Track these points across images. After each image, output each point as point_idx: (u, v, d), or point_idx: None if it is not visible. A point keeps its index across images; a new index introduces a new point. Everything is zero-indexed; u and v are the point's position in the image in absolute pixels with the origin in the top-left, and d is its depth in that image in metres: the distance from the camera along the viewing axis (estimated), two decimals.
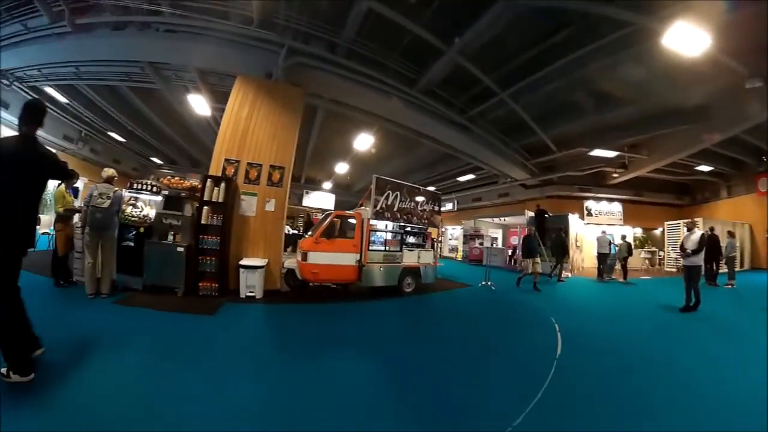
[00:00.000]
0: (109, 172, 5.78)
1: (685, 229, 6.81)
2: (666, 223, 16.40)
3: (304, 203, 20.83)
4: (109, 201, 5.24)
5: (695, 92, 9.86)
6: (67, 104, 12.89)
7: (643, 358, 4.22)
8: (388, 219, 7.83)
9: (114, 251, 5.60)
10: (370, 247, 7.64)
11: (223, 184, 6.53)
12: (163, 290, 5.85)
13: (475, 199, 20.95)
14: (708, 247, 10.76)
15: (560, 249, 12.02)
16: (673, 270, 15.36)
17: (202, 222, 6.26)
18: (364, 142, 12.73)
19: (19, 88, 10.84)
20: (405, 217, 8.06)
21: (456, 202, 19.93)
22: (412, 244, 8.48)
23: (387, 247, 7.92)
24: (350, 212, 8.08)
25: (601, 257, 12.45)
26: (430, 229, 9.03)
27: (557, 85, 9.65)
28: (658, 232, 18.59)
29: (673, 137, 12.62)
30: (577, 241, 14.92)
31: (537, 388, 3.16)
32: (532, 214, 14.38)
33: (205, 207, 6.33)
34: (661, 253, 16.87)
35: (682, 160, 14.19)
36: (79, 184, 9.45)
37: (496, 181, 18.07)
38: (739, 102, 9.92)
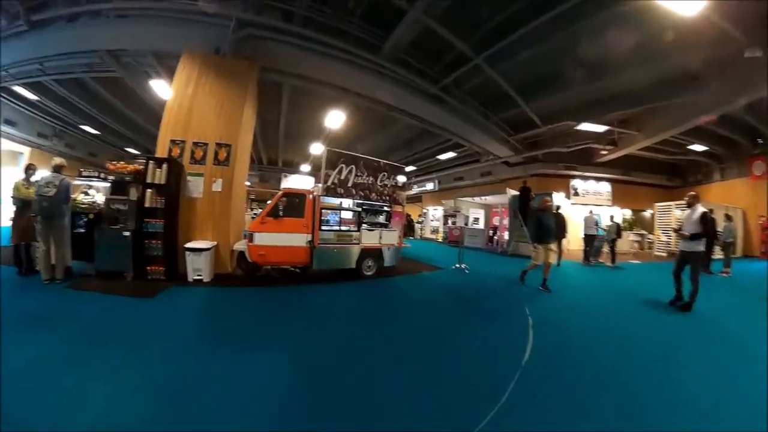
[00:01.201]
0: (57, 161, 5.83)
1: (685, 206, 5.88)
2: (656, 204, 15.81)
3: (282, 186, 19.95)
4: (54, 190, 5.35)
5: (690, 61, 9.08)
6: (38, 101, 12.72)
7: (625, 364, 3.59)
8: (340, 195, 7.13)
9: (65, 238, 5.65)
10: (323, 227, 7.00)
11: (164, 166, 6.20)
12: (114, 275, 5.85)
13: (457, 178, 20.22)
14: (704, 232, 10.46)
15: (559, 230, 10.83)
16: (663, 254, 14.94)
17: (146, 205, 6.04)
18: (335, 119, 11.99)
19: None
20: (361, 193, 7.37)
21: (437, 181, 19.19)
22: (373, 224, 7.75)
23: (342, 227, 7.17)
24: (300, 189, 7.31)
25: (588, 239, 11.69)
26: (396, 208, 8.26)
27: (538, 50, 8.84)
28: (647, 214, 18.06)
29: (665, 111, 11.98)
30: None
31: (495, 399, 2.68)
32: (514, 192, 13.75)
33: (149, 190, 6.07)
34: (651, 236, 16.31)
35: (674, 138, 13.59)
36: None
37: (479, 160, 17.27)
38: (736, 73, 9.21)
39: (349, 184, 7.16)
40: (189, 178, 6.79)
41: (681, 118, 11.80)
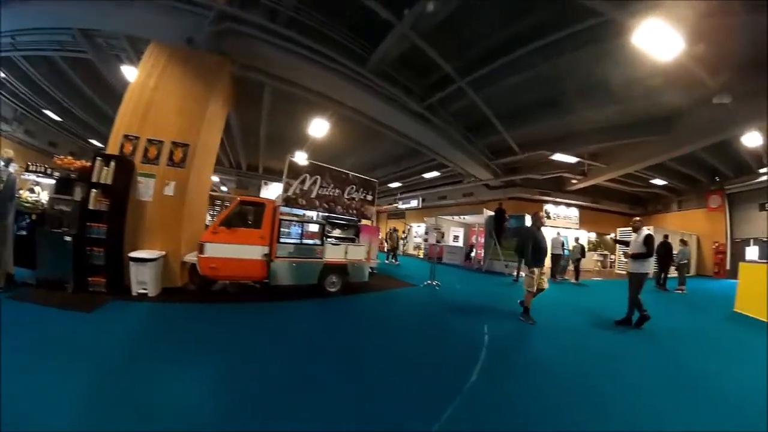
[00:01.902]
0: (7, 153, 4.57)
1: (631, 230, 5.31)
2: (618, 229, 14.69)
3: (262, 195, 17.68)
4: (1, 185, 4.13)
5: (661, 102, 8.09)
6: (4, 78, 10.19)
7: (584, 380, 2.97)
8: (302, 207, 5.60)
9: (7, 241, 4.24)
10: (283, 240, 5.43)
11: (112, 164, 4.75)
12: (56, 285, 4.43)
13: (441, 197, 18.63)
14: (661, 254, 9.36)
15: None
16: (623, 273, 13.77)
17: (90, 207, 4.59)
18: (319, 128, 10.27)
19: None
20: (326, 205, 5.82)
21: (421, 199, 17.70)
22: (339, 238, 6.22)
23: (304, 240, 5.62)
24: (259, 198, 5.77)
25: (555, 258, 10.67)
26: (365, 222, 6.75)
27: (520, 80, 7.61)
28: (610, 237, 16.95)
29: (634, 148, 11.00)
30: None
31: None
32: (491, 213, 12.37)
33: (93, 190, 4.63)
34: (612, 256, 15.65)
35: (638, 173, 12.88)
36: None
37: (461, 180, 15.87)
38: (703, 118, 8.26)
39: (313, 195, 5.64)
40: (140, 178, 5.20)
41: (647, 156, 11.01)
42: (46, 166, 5.40)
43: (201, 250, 4.93)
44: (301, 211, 5.81)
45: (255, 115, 11.11)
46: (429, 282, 7.69)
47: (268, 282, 5.34)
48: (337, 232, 6.29)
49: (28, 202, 5.09)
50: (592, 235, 17.61)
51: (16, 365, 2.32)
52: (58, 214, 4.66)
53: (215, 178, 20.71)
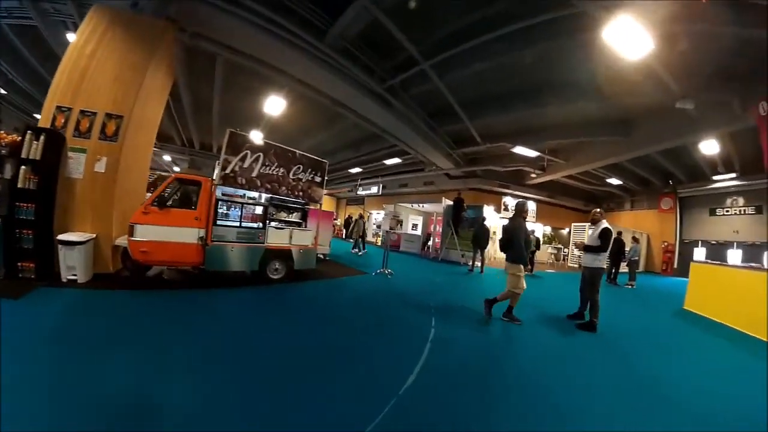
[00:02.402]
0: None
1: (590, 222, 5.19)
2: (573, 224, 15.79)
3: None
4: None
5: (625, 102, 8.38)
6: None
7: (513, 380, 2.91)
8: (241, 186, 5.21)
9: None
10: (220, 222, 5.07)
11: (42, 137, 4.32)
12: None
13: (402, 184, 18.62)
14: (614, 250, 9.62)
15: (483, 239, 10.16)
16: (575, 266, 14.79)
17: (19, 186, 4.19)
18: (275, 105, 9.72)
19: None
20: (268, 185, 5.45)
21: (381, 186, 17.57)
22: (283, 222, 5.92)
23: (244, 223, 5.27)
24: (195, 176, 5.31)
25: None
26: (313, 206, 6.48)
27: (485, 67, 7.60)
28: (565, 231, 18.23)
29: (593, 147, 11.61)
30: (494, 233, 13.32)
31: None
32: (449, 202, 12.55)
33: (23, 167, 4.23)
34: (566, 250, 16.42)
35: (596, 171, 13.58)
36: None
37: (423, 169, 15.92)
38: (664, 122, 8.81)
39: (254, 174, 5.24)
40: (70, 154, 4.72)
41: (606, 155, 11.54)
42: None
43: (131, 232, 4.51)
44: (242, 192, 5.43)
45: (207, 90, 10.46)
46: (381, 270, 7.62)
47: (204, 267, 4.99)
48: (282, 216, 5.98)
49: None
50: (548, 229, 18.55)
51: None
52: None
53: (167, 158, 19.41)
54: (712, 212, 14.30)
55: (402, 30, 6.78)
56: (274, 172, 5.46)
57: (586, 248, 4.82)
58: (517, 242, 4.45)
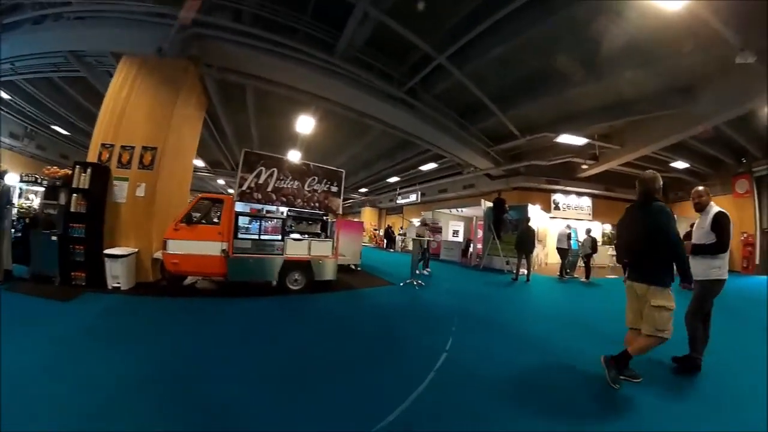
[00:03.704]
0: (3, 167, 5.57)
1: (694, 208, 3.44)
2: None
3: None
4: None
5: (676, 67, 7.40)
6: (10, 100, 11.52)
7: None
8: (258, 201, 5.66)
9: (4, 241, 5.06)
10: (242, 235, 5.53)
11: (89, 170, 5.42)
12: (45, 279, 5.22)
13: (441, 190, 18.36)
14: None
15: (528, 243, 9.36)
16: None
17: (72, 210, 5.28)
18: (305, 124, 10.47)
19: None
20: (284, 199, 5.81)
21: (420, 193, 17.51)
22: (302, 233, 6.23)
23: (262, 236, 5.68)
24: (218, 195, 5.94)
25: (561, 253, 10.13)
26: (331, 216, 6.73)
27: (506, 49, 7.20)
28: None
29: (648, 126, 10.32)
30: (539, 235, 12.51)
31: None
32: (490, 204, 12.12)
33: (74, 195, 5.31)
34: None
35: (657, 154, 12.04)
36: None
37: (461, 172, 15.63)
38: (725, 84, 7.61)
39: (269, 189, 5.66)
40: (115, 182, 5.78)
41: (664, 133, 10.16)
42: (37, 176, 6.16)
43: (164, 246, 5.26)
44: (260, 206, 5.88)
45: (244, 117, 11.63)
46: (410, 281, 7.46)
47: (228, 278, 5.49)
48: (301, 227, 6.30)
49: (23, 208, 6.10)
50: (607, 227, 16.77)
51: None
52: (47, 217, 5.51)
53: (221, 181, 21.94)
54: None
55: (409, 27, 6.78)
56: (289, 185, 5.82)
57: (696, 249, 3.13)
58: (672, 246, 2.66)
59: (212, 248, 5.40)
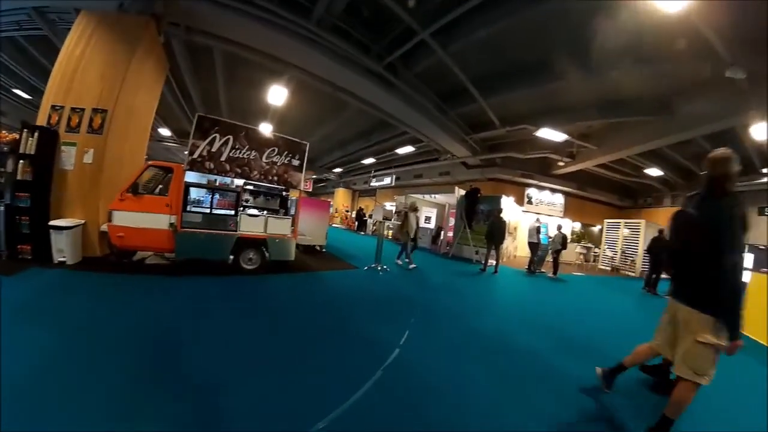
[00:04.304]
0: None
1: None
2: (606, 221, 14.85)
3: None
4: None
5: (665, 73, 7.59)
6: None
7: None
8: (210, 171, 5.36)
9: None
10: (192, 208, 5.26)
11: (36, 134, 5.13)
12: None
13: (416, 175, 18.37)
14: (655, 251, 8.98)
15: (499, 235, 9.46)
16: (607, 268, 14.15)
17: (19, 178, 4.98)
18: (277, 95, 10.02)
19: None
20: (238, 170, 5.51)
21: (395, 177, 17.43)
22: (259, 208, 6.02)
23: (214, 210, 5.42)
24: (168, 163, 5.62)
25: (532, 247, 10.39)
26: (293, 192, 6.53)
27: (496, 31, 7.00)
28: (596, 229, 17.19)
29: (628, 130, 10.69)
30: (510, 227, 12.78)
31: None
32: (463, 192, 12.27)
33: (21, 161, 5.02)
34: (597, 249, 15.33)
35: (632, 159, 12.59)
36: None
37: (438, 158, 15.66)
38: (711, 98, 7.92)
39: (222, 158, 5.35)
40: (63, 148, 5.41)
41: (643, 138, 10.53)
42: None
43: (109, 218, 4.97)
44: (213, 177, 5.59)
45: (212, 84, 11.13)
46: (373, 265, 7.48)
47: (174, 255, 5.25)
48: (258, 202, 6.08)
49: None
50: (577, 225, 17.62)
51: None
52: None
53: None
54: (761, 211, 12.62)
55: None
56: (245, 156, 5.52)
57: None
58: (730, 265, 1.98)
59: (160, 221, 5.12)
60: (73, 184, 5.42)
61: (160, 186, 5.39)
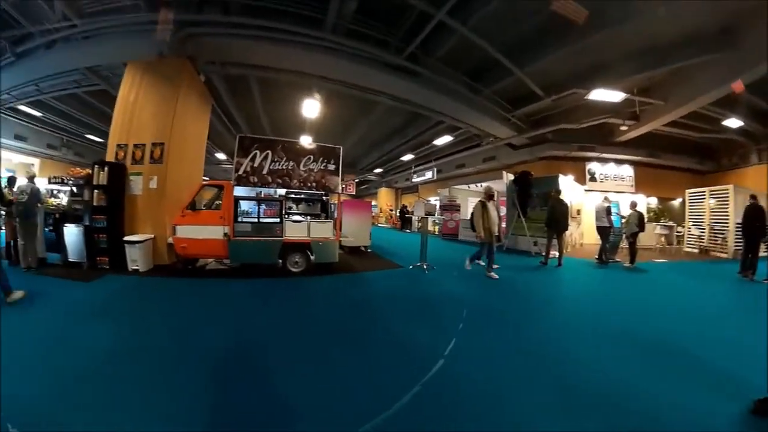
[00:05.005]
0: (30, 172, 6.72)
1: None
2: (687, 191, 13.18)
3: None
4: (27, 195, 5.97)
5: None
6: (43, 116, 13.72)
7: None
8: (254, 185, 6.23)
9: (36, 234, 6.24)
10: (242, 219, 6.18)
11: (106, 168, 6.57)
12: (75, 264, 6.40)
13: (459, 165, 18.16)
14: (748, 224, 7.52)
15: (562, 220, 8.69)
16: (695, 251, 12.51)
17: (95, 204, 6.43)
18: (311, 108, 11.01)
19: None
20: (279, 180, 6.27)
21: (435, 170, 17.49)
22: (301, 214, 6.63)
23: (262, 219, 6.19)
24: (219, 181, 6.61)
25: (601, 232, 9.29)
26: (333, 197, 7.07)
27: None
28: (677, 203, 15.37)
29: (695, 73, 9.37)
30: (573, 211, 11.89)
31: None
32: (511, 176, 12.00)
33: (95, 191, 6.45)
34: (681, 228, 13.52)
35: (706, 110, 10.88)
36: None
37: (480, 144, 15.43)
38: None
39: (264, 171, 6.17)
40: (131, 177, 6.90)
41: (710, 82, 9.20)
42: (63, 177, 7.49)
43: (173, 232, 6.15)
44: (258, 189, 6.38)
45: (253, 108, 12.74)
46: (419, 264, 7.52)
47: (229, 261, 6.25)
48: (301, 208, 6.71)
49: (52, 206, 7.38)
50: (653, 201, 15.79)
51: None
52: (74, 212, 6.76)
53: None
54: None
55: None
56: (284, 167, 6.26)
57: None
58: None
59: (215, 232, 6.07)
60: (142, 206, 6.84)
61: (216, 201, 6.37)
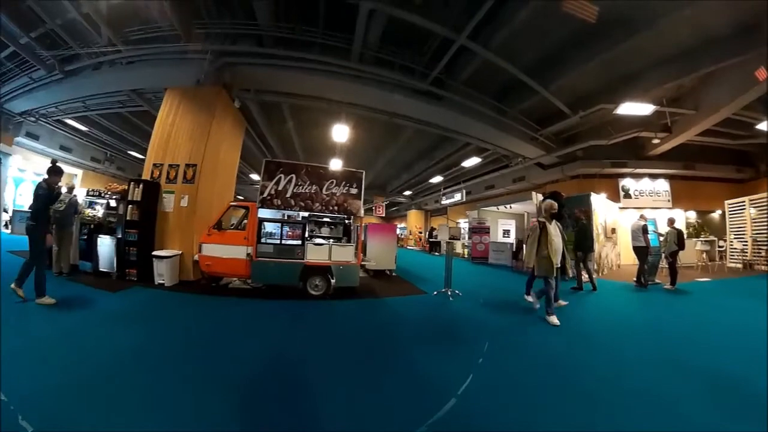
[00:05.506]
0: (69, 183, 7.08)
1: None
2: (727, 203, 12.64)
3: None
4: (65, 205, 6.63)
5: None
6: (88, 132, 15.17)
7: None
8: (278, 207, 6.55)
9: (71, 242, 7.02)
10: (265, 240, 6.46)
11: (141, 185, 7.19)
12: (105, 274, 6.96)
13: (488, 186, 18.16)
14: None
15: (587, 241, 8.52)
16: (738, 266, 11.87)
17: (128, 219, 7.01)
18: (340, 133, 11.59)
19: (45, 122, 13.28)
20: (302, 203, 6.61)
21: (464, 192, 17.59)
22: (322, 237, 6.93)
23: (284, 241, 6.49)
24: (245, 202, 7.10)
25: (638, 252, 8.91)
26: (356, 220, 7.32)
27: (535, 10, 6.93)
28: (716, 215, 14.73)
29: (722, 79, 9.21)
30: (608, 230, 11.78)
31: None
32: (540, 197, 11.91)
33: (130, 206, 7.03)
34: (722, 242, 12.85)
35: (739, 115, 10.41)
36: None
37: (508, 164, 15.49)
38: None
39: (288, 195, 6.54)
40: (164, 195, 7.55)
41: (740, 86, 8.90)
42: (100, 190, 8.07)
43: (199, 249, 6.52)
44: (282, 212, 6.76)
45: (286, 133, 13.78)
46: (443, 290, 7.33)
47: (252, 280, 6.55)
48: (323, 232, 7.01)
49: (88, 217, 7.86)
50: (691, 215, 15.16)
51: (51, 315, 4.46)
52: (108, 224, 7.40)
53: None
54: None
55: (419, 13, 7.02)
56: (307, 190, 6.62)
57: None
58: None
59: (239, 252, 6.39)
60: (173, 222, 7.43)
61: (243, 221, 6.71)
